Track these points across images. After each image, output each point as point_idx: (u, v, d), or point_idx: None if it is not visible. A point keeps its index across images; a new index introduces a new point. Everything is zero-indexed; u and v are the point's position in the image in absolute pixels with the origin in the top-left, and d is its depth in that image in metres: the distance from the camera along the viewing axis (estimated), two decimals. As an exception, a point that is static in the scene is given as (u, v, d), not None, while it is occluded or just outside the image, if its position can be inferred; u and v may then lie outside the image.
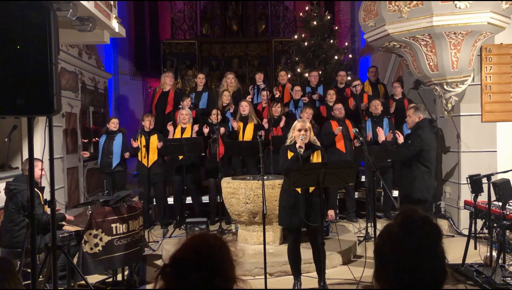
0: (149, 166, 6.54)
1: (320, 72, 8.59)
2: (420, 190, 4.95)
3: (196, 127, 6.74)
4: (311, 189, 4.15)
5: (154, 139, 6.62)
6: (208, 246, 1.32)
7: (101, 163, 6.69)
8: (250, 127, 6.77)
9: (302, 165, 4.09)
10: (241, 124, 6.81)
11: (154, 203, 6.96)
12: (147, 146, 6.56)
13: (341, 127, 6.60)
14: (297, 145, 4.15)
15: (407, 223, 1.36)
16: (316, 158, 4.29)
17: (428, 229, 1.34)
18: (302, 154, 4.14)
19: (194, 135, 6.66)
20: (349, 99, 7.62)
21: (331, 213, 4.49)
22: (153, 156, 6.61)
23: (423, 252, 1.31)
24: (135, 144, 6.55)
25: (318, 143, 4.43)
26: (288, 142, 4.36)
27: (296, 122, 4.43)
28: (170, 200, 7.05)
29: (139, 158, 6.59)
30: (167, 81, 7.58)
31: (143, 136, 6.54)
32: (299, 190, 4.15)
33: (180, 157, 6.51)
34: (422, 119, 5.22)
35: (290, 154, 4.27)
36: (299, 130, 4.24)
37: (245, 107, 6.84)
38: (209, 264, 1.29)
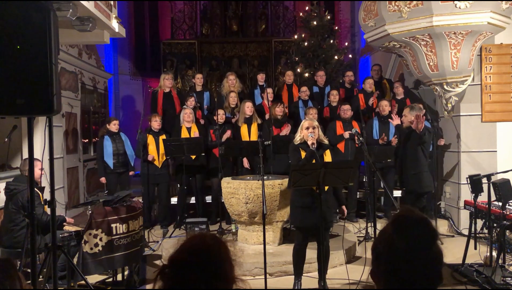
0: (160, 166, 6.60)
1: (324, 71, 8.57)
2: (427, 182, 5.26)
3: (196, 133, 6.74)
4: (326, 187, 4.15)
5: (162, 139, 6.62)
6: (207, 247, 1.32)
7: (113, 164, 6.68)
8: (254, 128, 6.76)
9: (302, 165, 4.10)
10: (246, 126, 6.79)
11: (157, 203, 6.96)
12: (157, 147, 6.57)
13: (349, 132, 6.56)
14: (309, 142, 4.17)
15: (399, 223, 1.35)
16: (327, 156, 4.33)
17: (420, 231, 1.32)
18: (315, 150, 4.16)
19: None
20: (359, 95, 7.61)
21: (344, 208, 4.51)
22: (163, 157, 6.62)
23: (413, 254, 1.29)
24: (150, 157, 6.56)
25: (326, 142, 4.46)
26: (298, 140, 4.37)
27: (303, 121, 4.46)
28: (174, 200, 7.06)
29: (149, 158, 6.58)
30: (167, 84, 7.58)
31: (151, 136, 6.55)
32: (315, 189, 4.13)
33: (193, 157, 6.52)
34: None
35: (302, 153, 4.28)
36: (307, 128, 4.25)
37: (251, 108, 6.81)
38: (207, 265, 1.29)
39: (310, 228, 4.31)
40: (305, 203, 4.24)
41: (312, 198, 4.18)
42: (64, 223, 4.90)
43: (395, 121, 6.08)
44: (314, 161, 4.17)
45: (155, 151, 6.58)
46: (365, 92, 7.60)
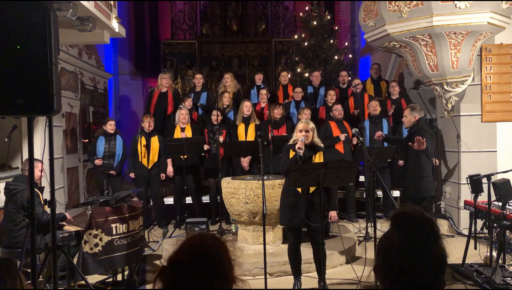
0: (149, 167, 6.56)
1: (320, 72, 8.58)
2: (428, 186, 5.22)
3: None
4: (312, 189, 4.15)
5: (154, 140, 6.64)
6: (206, 247, 1.32)
7: (102, 164, 6.69)
8: (252, 128, 6.76)
9: (302, 165, 4.10)
10: (243, 125, 6.80)
11: (151, 203, 6.96)
12: (148, 147, 6.56)
13: (345, 134, 6.60)
14: (296, 147, 4.17)
15: (397, 218, 1.33)
16: (318, 159, 4.31)
17: (418, 229, 1.28)
18: (302, 155, 4.15)
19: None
20: (350, 99, 7.62)
21: (333, 214, 4.50)
22: (154, 157, 6.62)
23: (408, 251, 1.25)
24: (132, 175, 6.66)
25: (321, 144, 4.44)
26: (291, 141, 4.39)
27: (299, 122, 4.46)
28: (170, 200, 7.06)
29: (139, 159, 6.59)
30: (164, 83, 7.58)
31: (143, 137, 6.55)
32: (299, 189, 4.16)
33: (185, 157, 6.53)
34: (418, 119, 5.30)
35: (292, 154, 4.28)
36: (300, 131, 4.26)
37: (249, 108, 6.80)
38: (207, 265, 1.28)
39: (296, 228, 4.33)
40: (291, 203, 4.25)
41: (297, 199, 4.20)
42: (64, 223, 4.90)
43: (377, 134, 6.09)
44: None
45: (146, 152, 6.57)
46: (354, 94, 7.52)
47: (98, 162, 6.64)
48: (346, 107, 7.42)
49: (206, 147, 6.62)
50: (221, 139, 6.60)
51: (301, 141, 4.17)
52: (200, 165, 6.98)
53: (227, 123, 7.12)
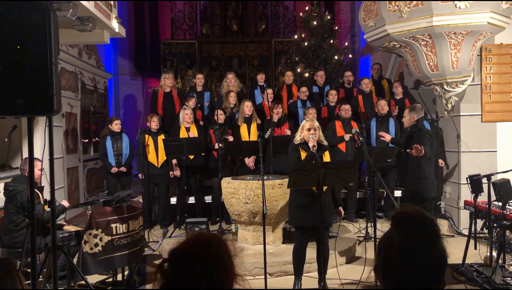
0: (159, 166, 6.60)
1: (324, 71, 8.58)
2: (428, 188, 5.21)
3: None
4: (324, 187, 4.16)
5: (161, 139, 6.63)
6: (206, 240, 1.32)
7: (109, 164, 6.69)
8: (254, 127, 6.75)
9: (302, 165, 4.10)
10: (245, 125, 6.79)
11: (157, 203, 6.96)
12: (155, 147, 6.56)
13: (350, 135, 6.60)
14: (311, 145, 4.18)
15: (398, 218, 1.32)
16: (326, 158, 4.34)
17: (418, 228, 1.27)
18: (315, 153, 4.18)
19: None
20: (359, 96, 7.61)
21: (341, 210, 4.53)
22: (162, 157, 6.62)
23: (408, 251, 1.25)
24: (140, 176, 6.67)
25: (326, 143, 4.47)
26: (297, 140, 4.38)
27: (304, 121, 4.47)
28: (173, 200, 7.06)
29: (148, 158, 6.59)
30: (167, 83, 7.57)
31: (149, 137, 6.55)
32: (314, 189, 4.15)
33: (191, 157, 6.53)
34: (416, 119, 5.30)
35: (302, 153, 4.29)
36: (308, 130, 4.26)
37: (250, 108, 6.80)
38: (207, 256, 1.28)
39: (308, 228, 4.33)
40: (304, 202, 4.24)
41: (310, 198, 4.19)
42: (64, 223, 4.90)
43: (386, 137, 6.09)
44: (314, 162, 4.17)
45: (154, 151, 6.59)
46: (363, 92, 7.61)
47: (114, 170, 6.63)
48: (355, 106, 7.40)
49: (217, 146, 6.63)
50: (230, 138, 6.61)
51: (313, 139, 4.20)
52: (204, 165, 6.98)
53: (231, 122, 7.11)
